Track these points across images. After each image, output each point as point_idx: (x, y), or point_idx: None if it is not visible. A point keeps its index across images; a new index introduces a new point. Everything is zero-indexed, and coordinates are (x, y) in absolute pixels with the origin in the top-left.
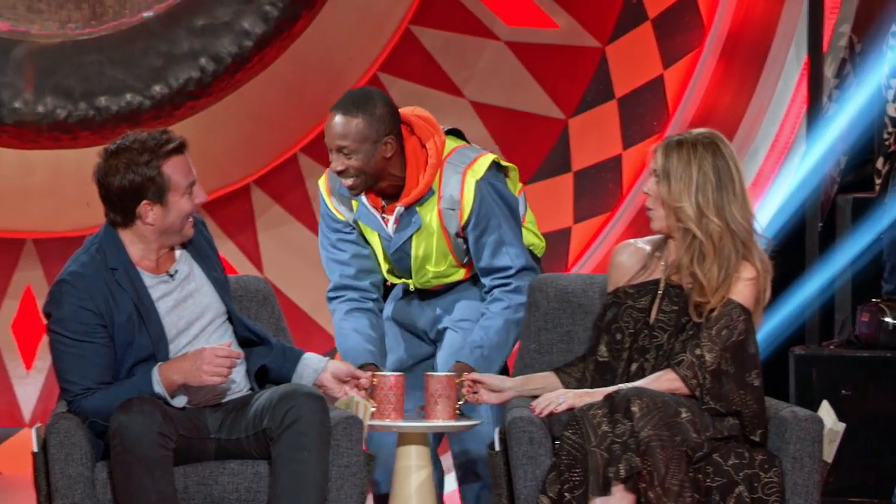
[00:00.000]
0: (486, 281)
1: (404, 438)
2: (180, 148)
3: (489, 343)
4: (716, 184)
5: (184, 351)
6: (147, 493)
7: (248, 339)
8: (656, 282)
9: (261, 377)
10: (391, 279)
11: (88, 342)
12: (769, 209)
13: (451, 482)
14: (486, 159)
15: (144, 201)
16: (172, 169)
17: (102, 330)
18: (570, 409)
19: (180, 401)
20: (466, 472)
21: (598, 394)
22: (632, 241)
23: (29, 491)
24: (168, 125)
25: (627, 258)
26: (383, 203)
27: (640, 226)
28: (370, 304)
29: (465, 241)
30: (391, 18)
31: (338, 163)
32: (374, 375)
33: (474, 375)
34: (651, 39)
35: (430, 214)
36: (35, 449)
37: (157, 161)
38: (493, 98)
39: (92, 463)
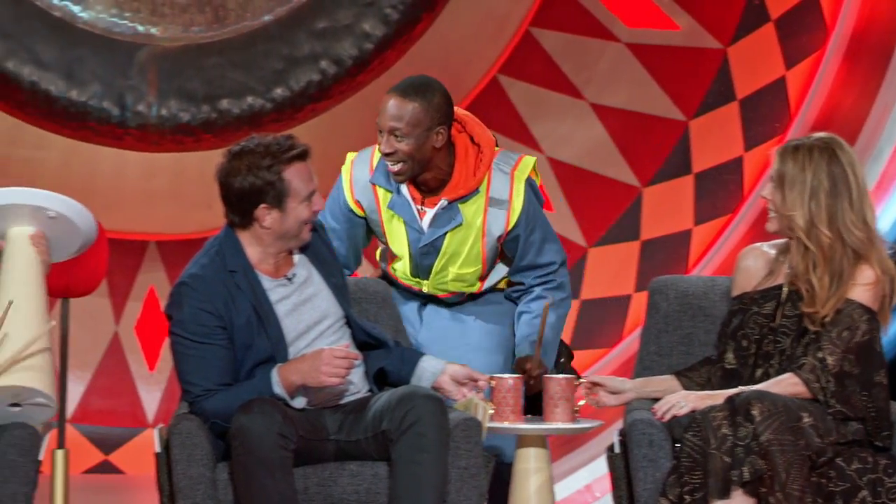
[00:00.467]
0: (525, 279)
1: (523, 441)
2: (303, 155)
3: (547, 341)
4: (829, 190)
5: (302, 354)
6: (268, 494)
7: (366, 343)
8: (780, 286)
9: (379, 380)
10: (404, 279)
11: (208, 344)
12: (893, 211)
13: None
14: (529, 160)
15: (263, 205)
16: (293, 175)
17: (222, 332)
18: (692, 412)
19: (300, 402)
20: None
21: (719, 396)
22: (758, 245)
23: (152, 491)
24: (289, 128)
25: (752, 263)
26: (423, 196)
27: (761, 228)
28: None
29: (503, 245)
30: (511, 20)
31: (387, 145)
32: (492, 378)
33: (593, 378)
34: (773, 40)
35: (474, 213)
36: (158, 450)
37: (279, 166)
38: (614, 100)
39: (213, 464)
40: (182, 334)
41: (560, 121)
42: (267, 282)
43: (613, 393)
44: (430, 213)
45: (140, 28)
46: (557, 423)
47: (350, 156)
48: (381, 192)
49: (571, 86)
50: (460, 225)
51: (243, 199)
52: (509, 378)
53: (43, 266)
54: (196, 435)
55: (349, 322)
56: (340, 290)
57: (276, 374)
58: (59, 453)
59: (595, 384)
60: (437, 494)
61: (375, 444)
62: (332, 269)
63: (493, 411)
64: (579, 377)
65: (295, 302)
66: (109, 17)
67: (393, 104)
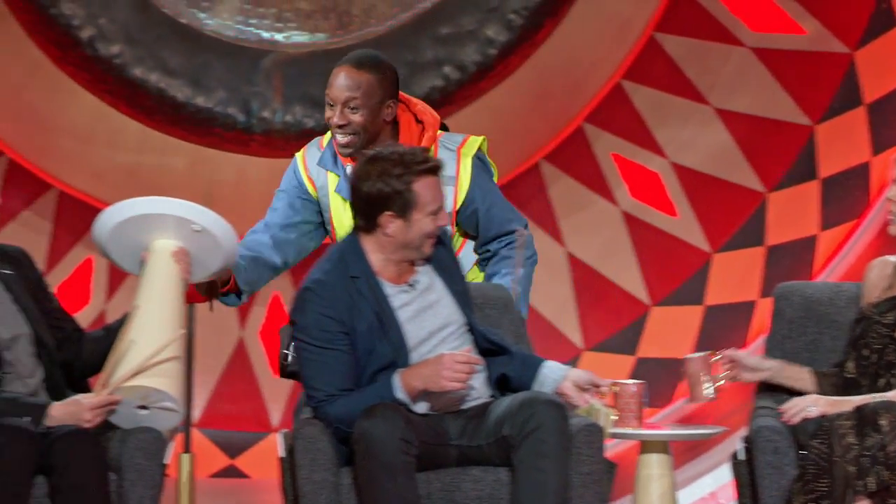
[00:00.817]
0: (491, 247)
1: (646, 447)
2: (434, 170)
3: (516, 296)
4: None
5: (424, 359)
6: (391, 499)
7: (488, 349)
8: None
9: (501, 385)
10: None
11: (331, 349)
12: None
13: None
14: (477, 139)
15: (388, 212)
16: (422, 188)
17: (344, 337)
18: (821, 417)
19: (422, 407)
20: None
21: (848, 403)
22: (886, 257)
23: (276, 495)
24: None
25: (877, 273)
26: None
27: (889, 234)
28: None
29: (460, 222)
30: (635, 26)
31: (340, 117)
32: (615, 383)
33: (730, 353)
34: None
35: None
36: (282, 454)
37: (410, 177)
38: (738, 105)
39: (336, 468)
40: (306, 339)
41: (684, 126)
42: (388, 288)
43: (751, 370)
44: None
45: (265, 35)
46: (698, 400)
47: (302, 148)
48: (329, 175)
49: (696, 91)
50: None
51: (370, 203)
52: (632, 384)
53: (182, 284)
54: (319, 440)
55: (471, 328)
56: (462, 297)
57: (398, 379)
58: (185, 457)
59: (733, 360)
60: (559, 500)
61: (497, 450)
62: (455, 277)
63: (616, 417)
64: (717, 352)
65: (417, 308)
66: (235, 25)
67: (347, 75)
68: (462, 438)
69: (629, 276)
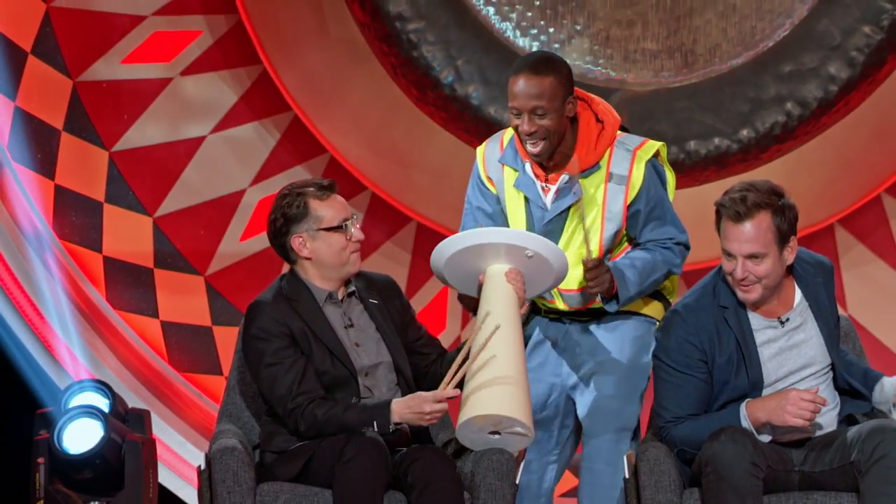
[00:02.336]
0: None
1: None
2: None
3: (634, 270)
4: None
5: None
6: None
7: (846, 390)
8: None
9: (849, 421)
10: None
11: (687, 374)
12: None
13: None
14: (655, 143)
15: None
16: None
17: (703, 365)
18: None
19: (765, 438)
20: None
21: None
22: None
23: None
24: (754, 167)
25: None
26: (545, 174)
27: None
28: None
29: (627, 224)
30: None
31: (529, 125)
32: None
33: None
34: None
35: (594, 188)
36: (626, 475)
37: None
38: None
39: (680, 490)
40: (665, 360)
41: None
42: (757, 321)
43: None
44: (552, 189)
45: (613, 74)
46: None
47: (483, 144)
48: (507, 170)
49: None
50: (581, 198)
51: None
52: None
53: (518, 301)
54: (664, 462)
55: (833, 367)
56: (831, 338)
57: (744, 409)
58: None
59: None
60: None
61: (842, 475)
62: (829, 316)
63: None
64: None
65: (781, 346)
66: (584, 64)
67: (529, 83)
68: (805, 464)
69: None
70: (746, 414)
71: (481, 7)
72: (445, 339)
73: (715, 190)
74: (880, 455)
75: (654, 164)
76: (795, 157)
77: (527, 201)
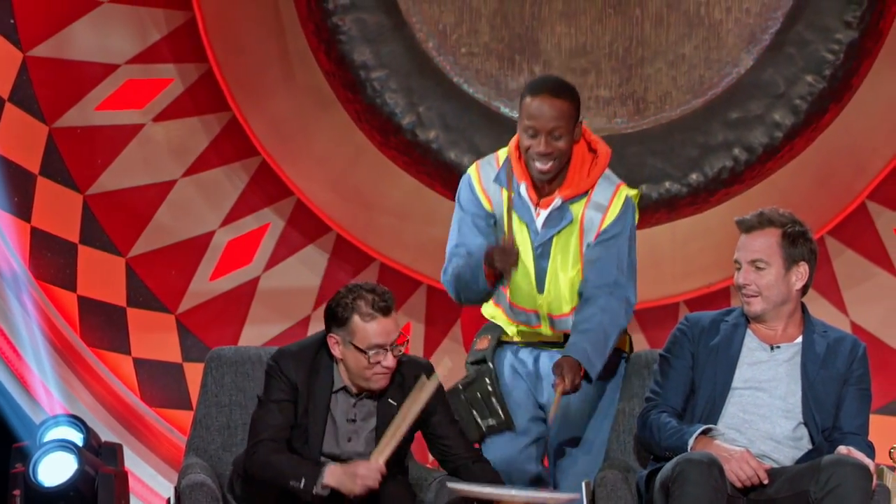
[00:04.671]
0: (584, 287)
1: None
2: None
3: (592, 345)
4: None
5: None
6: None
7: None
8: None
9: None
10: (524, 303)
11: (674, 362)
12: None
13: None
14: (635, 189)
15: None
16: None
17: (689, 357)
18: None
19: None
20: None
21: None
22: None
23: None
24: (702, 211)
25: None
26: (538, 197)
27: None
28: None
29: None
30: None
31: (546, 146)
32: None
33: None
34: None
35: (576, 212)
36: None
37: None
38: None
39: None
40: (664, 348)
41: None
42: (751, 340)
43: None
44: (543, 213)
45: None
46: None
47: (475, 164)
48: (504, 192)
49: None
50: (571, 223)
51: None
52: None
53: None
54: (620, 488)
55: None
56: (817, 397)
57: (692, 442)
58: None
59: None
60: None
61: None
62: (821, 379)
63: None
64: None
65: (763, 368)
66: None
67: (550, 105)
68: (751, 492)
69: None
70: (692, 447)
71: (442, 56)
72: None
73: (665, 231)
74: (835, 485)
75: (631, 201)
76: (742, 200)
77: (522, 223)
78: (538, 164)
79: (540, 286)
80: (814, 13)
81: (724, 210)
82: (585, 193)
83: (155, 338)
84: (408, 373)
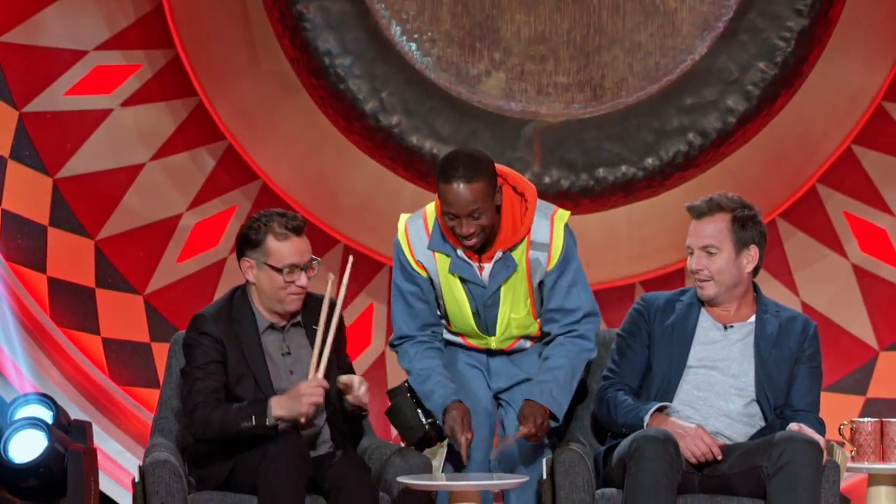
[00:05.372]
0: (551, 328)
1: (874, 480)
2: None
3: (557, 385)
4: None
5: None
6: None
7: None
8: None
9: None
10: (471, 340)
11: (631, 341)
12: None
13: None
14: (564, 212)
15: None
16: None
17: (645, 336)
18: None
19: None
20: None
21: None
22: None
23: None
24: (659, 194)
25: None
26: (478, 255)
27: None
28: (438, 345)
29: (541, 288)
30: (865, 95)
31: (467, 227)
32: (852, 421)
33: None
34: None
35: (519, 256)
36: None
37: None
38: None
39: (592, 490)
40: (621, 327)
41: None
42: (705, 320)
43: None
44: (487, 267)
45: (527, 106)
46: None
47: (402, 220)
48: (439, 257)
49: None
50: (516, 269)
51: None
52: (868, 423)
53: None
54: (578, 464)
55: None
56: (770, 376)
57: (647, 419)
58: None
59: None
60: None
61: (744, 480)
62: (773, 357)
63: (852, 454)
64: None
65: (716, 347)
66: (500, 97)
67: (463, 190)
68: (705, 468)
69: (859, 324)
70: (648, 423)
71: (404, 43)
72: (370, 355)
73: (622, 214)
74: (787, 461)
75: (568, 228)
76: (697, 183)
77: (463, 282)
78: (464, 242)
79: (491, 331)
80: (766, 2)
81: (679, 193)
82: (524, 238)
83: (123, 318)
84: (315, 306)
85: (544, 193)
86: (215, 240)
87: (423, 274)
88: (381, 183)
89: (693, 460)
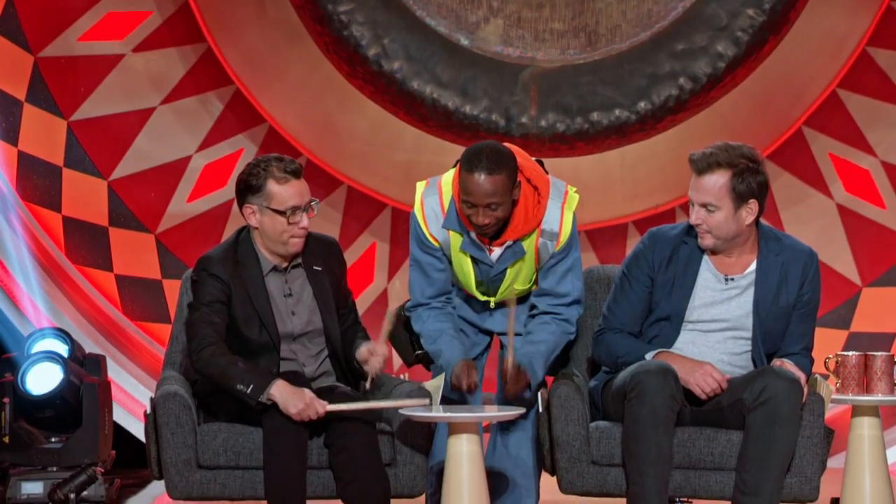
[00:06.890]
0: (539, 303)
1: (858, 411)
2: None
3: (538, 355)
4: None
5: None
6: (650, 447)
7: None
8: None
9: None
10: (476, 294)
11: (633, 286)
12: None
13: None
14: (574, 193)
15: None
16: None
17: (648, 281)
18: None
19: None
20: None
21: None
22: None
23: None
24: (651, 136)
25: None
26: (490, 240)
27: None
28: (450, 310)
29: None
30: (849, 41)
31: (484, 217)
32: (837, 355)
33: None
34: None
35: (530, 244)
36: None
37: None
38: None
39: (586, 422)
40: (623, 269)
41: (893, 128)
42: (707, 268)
43: None
44: (497, 251)
45: (524, 52)
46: (879, 394)
47: (418, 192)
48: (453, 234)
49: None
50: (524, 255)
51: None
52: (853, 356)
53: None
54: (573, 398)
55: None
56: (768, 313)
57: (656, 355)
58: None
59: None
60: (784, 461)
61: (731, 413)
62: (776, 293)
63: (836, 387)
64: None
65: (716, 298)
66: (499, 43)
67: (484, 181)
68: (694, 402)
69: (843, 261)
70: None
71: None
72: (373, 293)
73: (615, 156)
74: (767, 396)
75: (574, 216)
76: (687, 126)
77: (473, 260)
78: (478, 229)
79: (492, 294)
80: None
81: (670, 136)
82: (534, 230)
83: (135, 256)
84: (316, 245)
85: (541, 137)
86: (223, 181)
87: (436, 245)
88: (384, 126)
89: (703, 396)
